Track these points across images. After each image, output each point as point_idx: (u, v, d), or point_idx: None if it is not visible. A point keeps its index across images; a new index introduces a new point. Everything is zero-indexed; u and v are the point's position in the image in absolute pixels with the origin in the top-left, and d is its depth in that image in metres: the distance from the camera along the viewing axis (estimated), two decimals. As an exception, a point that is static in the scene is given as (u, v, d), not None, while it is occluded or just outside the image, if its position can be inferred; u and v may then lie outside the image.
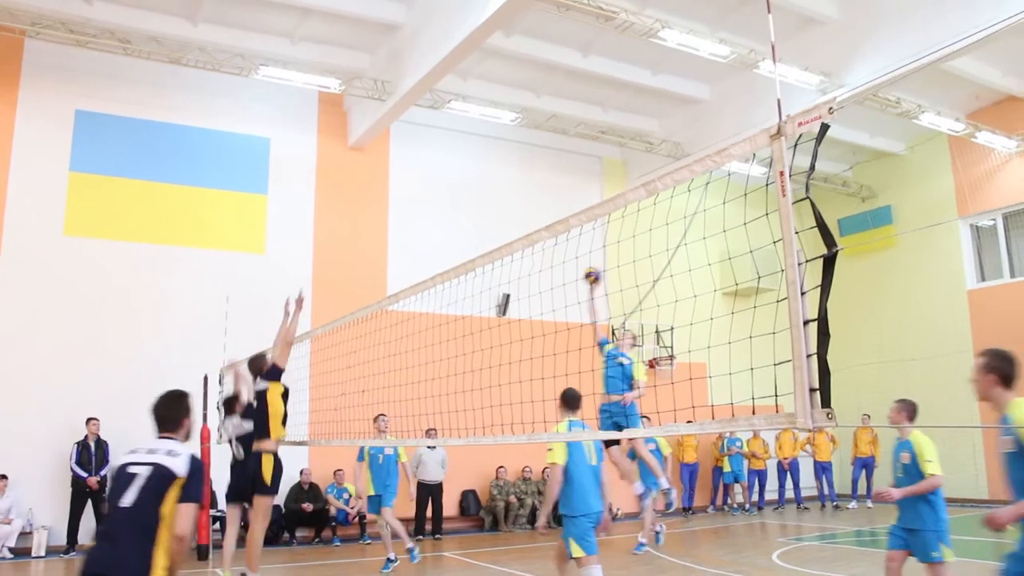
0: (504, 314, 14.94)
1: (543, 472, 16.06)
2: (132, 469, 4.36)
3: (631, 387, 9.77)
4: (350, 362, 9.48)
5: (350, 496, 14.57)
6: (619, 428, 9.89)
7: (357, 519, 14.66)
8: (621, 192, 4.37)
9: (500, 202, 17.91)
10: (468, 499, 16.61)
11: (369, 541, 14.56)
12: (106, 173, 14.56)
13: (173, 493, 4.31)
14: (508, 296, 15.14)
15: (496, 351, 7.28)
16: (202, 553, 12.31)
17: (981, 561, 11.82)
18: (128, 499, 4.23)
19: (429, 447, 14.95)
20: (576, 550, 6.80)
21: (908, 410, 7.25)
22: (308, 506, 14.37)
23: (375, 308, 8.37)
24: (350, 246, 16.36)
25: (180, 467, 4.37)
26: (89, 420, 12.94)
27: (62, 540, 12.65)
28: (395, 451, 11.76)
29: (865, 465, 18.86)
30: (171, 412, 4.76)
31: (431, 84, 14.23)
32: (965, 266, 19.53)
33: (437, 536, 15.10)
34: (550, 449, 6.97)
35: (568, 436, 7.62)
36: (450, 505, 16.02)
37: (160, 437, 4.65)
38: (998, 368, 4.76)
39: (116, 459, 4.52)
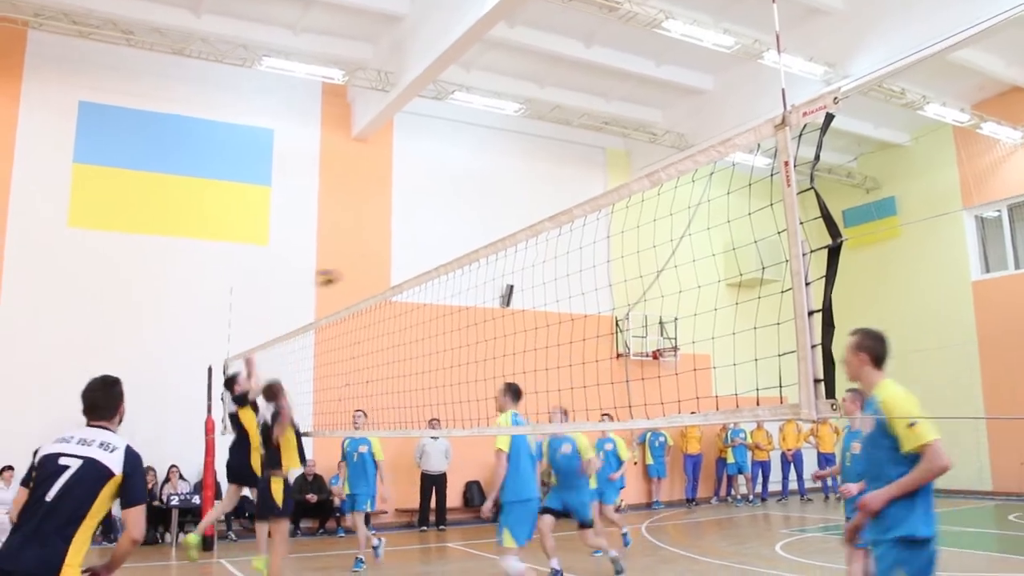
0: (508, 305, 14.97)
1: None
2: (63, 461, 4.04)
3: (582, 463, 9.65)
4: (354, 353, 9.49)
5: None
6: (567, 509, 9.80)
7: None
8: (625, 182, 4.36)
9: (504, 193, 17.89)
10: (472, 490, 16.63)
11: (374, 532, 14.59)
12: (110, 164, 14.56)
13: (107, 492, 4.04)
14: (512, 287, 15.16)
15: (500, 342, 7.29)
16: (207, 544, 12.36)
17: (983, 552, 11.84)
18: (53, 493, 3.94)
19: (432, 438, 14.96)
20: (508, 539, 7.08)
21: (862, 400, 7.16)
22: (312, 497, 14.42)
23: (379, 299, 8.37)
24: (354, 237, 16.36)
25: (115, 464, 4.09)
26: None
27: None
28: (369, 449, 11.28)
29: (869, 456, 18.86)
30: (108, 399, 4.44)
31: (434, 75, 14.22)
32: (970, 257, 19.49)
33: (441, 527, 15.14)
34: (497, 437, 7.31)
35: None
36: (454, 496, 16.05)
37: (91, 425, 4.31)
38: (870, 348, 4.63)
39: (46, 444, 4.20)
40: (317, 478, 14.73)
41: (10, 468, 12.61)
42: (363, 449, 11.25)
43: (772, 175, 3.36)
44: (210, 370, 12.64)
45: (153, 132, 14.97)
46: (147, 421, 13.59)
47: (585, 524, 9.71)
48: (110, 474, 4.06)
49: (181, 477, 13.78)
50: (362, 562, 10.62)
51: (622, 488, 10.59)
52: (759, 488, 19.26)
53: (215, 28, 14.06)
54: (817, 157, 3.36)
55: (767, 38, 14.08)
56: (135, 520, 4.11)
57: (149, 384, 13.78)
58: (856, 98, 15.52)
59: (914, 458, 4.15)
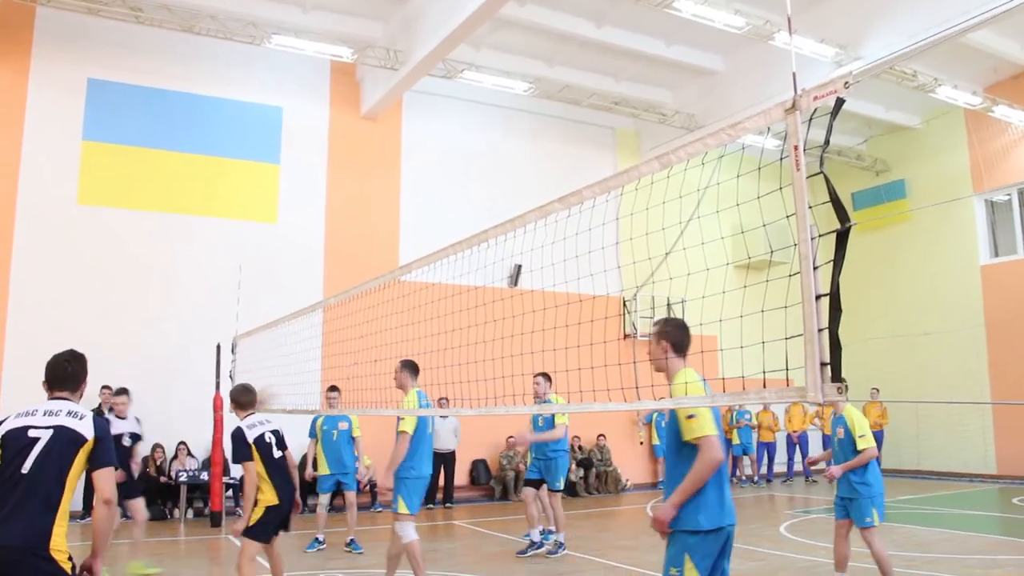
0: (516, 284, 14.99)
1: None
2: (33, 433, 4.08)
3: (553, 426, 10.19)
4: (363, 332, 9.51)
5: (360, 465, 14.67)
6: (541, 473, 10.19)
7: (368, 488, 14.80)
8: (635, 165, 4.36)
9: (512, 172, 17.89)
10: (478, 468, 16.74)
11: (380, 509, 14.71)
12: (119, 142, 14.59)
13: (81, 457, 4.11)
14: (520, 267, 15.16)
15: (508, 322, 7.30)
16: (215, 520, 12.49)
17: (987, 535, 11.89)
18: (29, 464, 3.98)
19: (442, 416, 15.06)
20: (402, 507, 7.60)
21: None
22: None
23: (387, 279, 8.37)
24: (362, 215, 16.39)
25: (86, 429, 4.17)
26: (102, 388, 13.06)
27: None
28: (349, 426, 11.19)
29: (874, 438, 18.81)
30: (75, 372, 4.50)
31: (444, 54, 14.16)
32: (979, 241, 19.45)
33: (448, 505, 15.24)
34: (401, 419, 7.68)
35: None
36: (460, 474, 16.15)
37: (54, 397, 4.37)
38: (670, 335, 4.64)
39: (8, 421, 4.21)
40: (324, 455, 14.83)
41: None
42: (343, 426, 11.16)
43: (781, 159, 3.37)
44: (219, 347, 12.72)
45: (162, 109, 14.98)
46: (156, 398, 13.71)
47: (552, 488, 10.23)
48: (83, 439, 4.13)
49: (189, 454, 13.91)
50: (356, 543, 10.68)
51: (564, 476, 10.48)
52: (764, 469, 19.33)
53: (224, 5, 14.00)
54: (827, 141, 3.36)
55: (778, 19, 13.98)
56: (105, 481, 4.17)
57: (158, 361, 13.90)
58: (867, 80, 15.42)
59: (692, 448, 4.25)
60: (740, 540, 10.86)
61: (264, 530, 7.06)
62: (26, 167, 13.79)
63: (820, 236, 3.22)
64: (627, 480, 18.05)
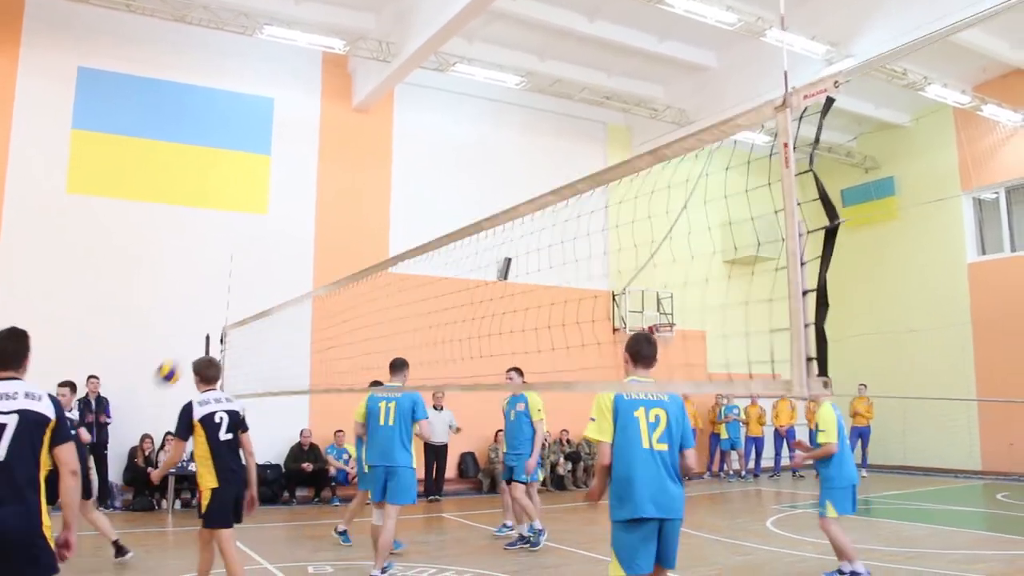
0: (505, 278, 14.99)
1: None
2: None
3: (533, 428, 10.33)
4: (353, 326, 9.51)
5: (349, 457, 14.69)
6: (510, 474, 10.35)
7: (356, 479, 14.82)
8: (626, 160, 4.36)
9: (504, 166, 17.89)
10: (466, 461, 16.77)
11: (368, 502, 14.72)
12: (109, 131, 14.52)
13: (47, 438, 4.22)
14: (509, 260, 15.14)
15: (498, 317, 7.30)
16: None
17: (971, 530, 12.00)
18: (3, 451, 4.03)
19: (436, 408, 15.11)
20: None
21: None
22: (308, 466, 14.54)
23: (375, 271, 8.34)
24: (353, 207, 16.37)
25: (48, 410, 4.25)
26: (89, 377, 13.02)
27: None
28: None
29: (861, 434, 18.94)
30: (16, 349, 4.47)
31: (436, 46, 14.15)
32: (966, 239, 19.58)
33: (434, 498, 15.25)
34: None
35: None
36: (448, 467, 16.17)
37: (2, 378, 4.33)
38: (627, 347, 5.13)
39: None
40: (313, 447, 14.84)
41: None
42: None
43: (771, 155, 3.39)
44: (207, 338, 12.69)
45: (153, 99, 14.90)
46: (144, 388, 13.66)
47: (516, 480, 10.27)
48: (47, 420, 4.24)
49: (178, 444, 13.86)
50: (348, 535, 10.62)
51: (540, 467, 10.45)
52: (752, 464, 19.41)
53: (216, -5, 13.97)
54: (817, 140, 3.39)
55: (770, 15, 14.02)
56: (69, 455, 4.34)
57: (147, 351, 13.81)
58: (857, 78, 15.49)
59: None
60: (726, 534, 10.97)
61: (220, 514, 6.62)
62: (15, 156, 13.70)
63: (808, 233, 3.24)
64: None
